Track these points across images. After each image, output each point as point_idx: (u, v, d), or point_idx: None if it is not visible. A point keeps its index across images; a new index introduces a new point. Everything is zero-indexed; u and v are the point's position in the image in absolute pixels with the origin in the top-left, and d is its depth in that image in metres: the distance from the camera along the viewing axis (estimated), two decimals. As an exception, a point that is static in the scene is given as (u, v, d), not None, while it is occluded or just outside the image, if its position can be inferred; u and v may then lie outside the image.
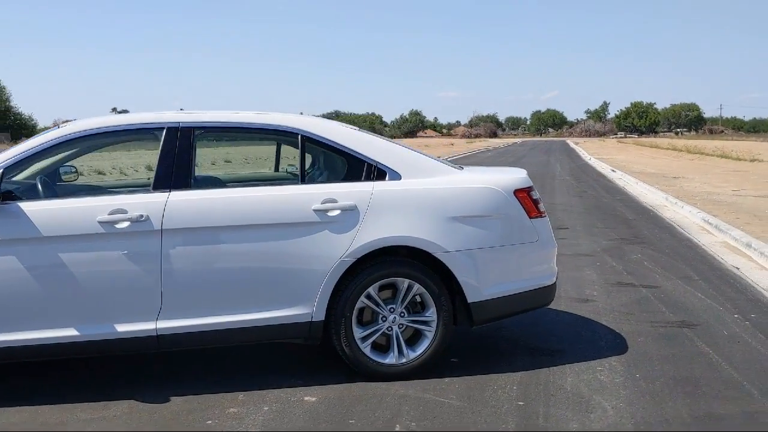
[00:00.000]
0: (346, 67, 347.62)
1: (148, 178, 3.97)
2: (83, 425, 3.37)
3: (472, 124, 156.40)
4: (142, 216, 3.62)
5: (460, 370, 4.07)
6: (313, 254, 3.77)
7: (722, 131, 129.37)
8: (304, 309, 3.79)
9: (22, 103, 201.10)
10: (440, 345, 3.96)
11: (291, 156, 4.39)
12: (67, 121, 4.34)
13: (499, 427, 3.30)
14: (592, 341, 4.61)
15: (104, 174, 20.00)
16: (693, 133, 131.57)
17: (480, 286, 3.96)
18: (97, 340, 3.61)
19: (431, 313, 3.95)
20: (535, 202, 4.20)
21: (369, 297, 3.89)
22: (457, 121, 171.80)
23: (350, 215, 3.83)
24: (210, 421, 3.39)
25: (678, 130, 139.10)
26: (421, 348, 3.95)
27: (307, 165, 4.85)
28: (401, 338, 3.95)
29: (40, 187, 3.84)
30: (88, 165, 21.75)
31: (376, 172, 4.00)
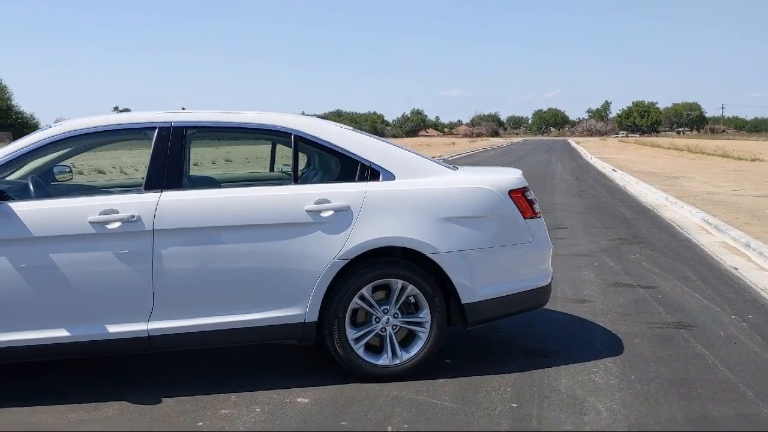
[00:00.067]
0: (347, 66, 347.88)
1: (142, 178, 3.96)
2: (74, 426, 3.35)
3: (473, 123, 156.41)
4: (133, 216, 3.60)
5: (454, 371, 4.04)
6: (306, 255, 3.75)
7: (724, 131, 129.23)
8: (297, 310, 3.77)
9: (23, 102, 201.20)
10: (434, 346, 3.94)
11: (287, 156, 4.37)
12: (59, 120, 4.32)
13: (492, 429, 3.28)
14: (587, 342, 4.59)
15: (104, 173, 19.98)
16: (695, 132, 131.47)
17: (474, 287, 3.93)
18: (88, 341, 3.59)
19: (425, 314, 3.93)
20: (530, 203, 4.17)
21: (362, 298, 3.87)
22: (459, 120, 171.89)
23: (343, 216, 3.81)
24: (201, 423, 3.37)
25: (680, 129, 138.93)
26: (415, 349, 3.93)
27: (303, 165, 4.84)
28: (395, 339, 3.93)
29: (31, 187, 3.82)
30: (89, 164, 21.77)
31: (370, 172, 3.98)
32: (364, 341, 3.89)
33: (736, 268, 6.88)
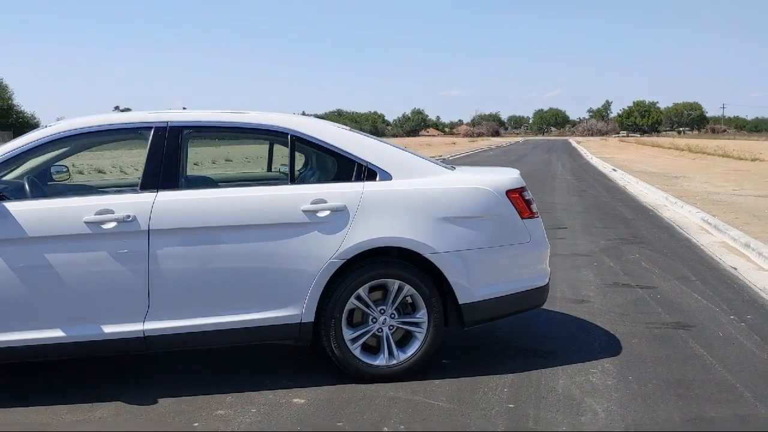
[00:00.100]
0: (348, 66, 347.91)
1: (138, 178, 3.94)
2: (69, 426, 3.34)
3: (474, 122, 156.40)
4: (129, 216, 3.59)
5: (451, 371, 4.03)
6: (302, 255, 3.74)
7: (725, 130, 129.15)
8: (294, 310, 3.76)
9: (24, 102, 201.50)
10: (431, 346, 3.93)
11: (286, 156, 4.36)
12: (60, 119, 4.31)
13: (488, 429, 3.27)
14: (585, 343, 4.58)
15: (104, 173, 19.98)
16: (695, 132, 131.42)
17: (471, 287, 3.92)
18: (84, 341, 3.58)
19: (422, 315, 3.91)
20: (528, 203, 4.16)
21: (359, 298, 3.86)
22: (460, 120, 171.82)
23: (340, 216, 3.79)
24: (197, 423, 3.36)
25: (680, 129, 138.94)
26: (412, 349, 3.92)
27: (300, 165, 4.83)
28: (392, 340, 3.92)
29: (27, 186, 3.81)
30: (89, 164, 21.78)
31: (367, 172, 3.96)
32: (360, 341, 3.88)
33: (735, 268, 6.87)
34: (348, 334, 3.85)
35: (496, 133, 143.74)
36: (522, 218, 4.09)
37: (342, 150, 4.00)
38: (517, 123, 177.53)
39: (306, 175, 4.66)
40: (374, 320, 3.90)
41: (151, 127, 3.84)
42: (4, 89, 65.68)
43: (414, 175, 4.03)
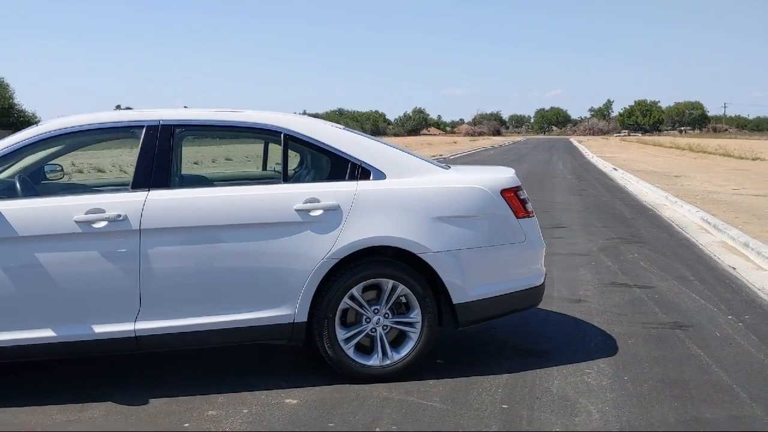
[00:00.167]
0: (349, 65, 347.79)
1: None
2: (59, 427, 3.31)
3: (475, 122, 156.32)
4: (119, 215, 3.56)
5: (446, 371, 4.00)
6: (295, 254, 3.71)
7: (726, 130, 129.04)
8: (287, 310, 3.73)
9: (25, 101, 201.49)
10: (425, 347, 3.90)
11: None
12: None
13: (481, 430, 3.24)
14: (582, 343, 4.55)
15: (104, 171, 19.96)
16: (697, 131, 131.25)
17: (465, 287, 3.89)
18: (75, 342, 3.55)
19: (416, 315, 3.89)
20: (523, 202, 4.13)
21: (352, 298, 3.83)
22: (461, 119, 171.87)
23: (333, 215, 3.76)
24: (187, 424, 3.34)
25: (682, 128, 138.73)
26: (406, 350, 3.89)
27: (295, 164, 4.81)
28: (385, 340, 3.89)
29: (18, 185, 3.78)
30: (88, 163, 21.78)
31: (360, 171, 3.93)
32: (354, 342, 3.85)
33: (734, 268, 6.83)
34: (341, 334, 3.82)
35: (498, 133, 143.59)
36: (517, 218, 4.06)
37: (335, 149, 3.97)
38: (519, 122, 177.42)
39: (301, 174, 4.63)
40: (368, 320, 3.87)
41: (143, 126, 3.82)
42: (5, 88, 65.57)
43: (408, 174, 4.00)
